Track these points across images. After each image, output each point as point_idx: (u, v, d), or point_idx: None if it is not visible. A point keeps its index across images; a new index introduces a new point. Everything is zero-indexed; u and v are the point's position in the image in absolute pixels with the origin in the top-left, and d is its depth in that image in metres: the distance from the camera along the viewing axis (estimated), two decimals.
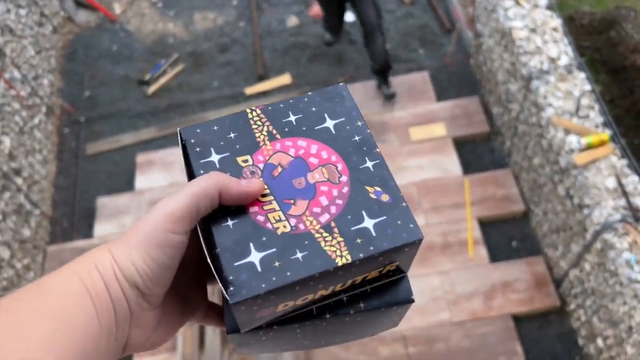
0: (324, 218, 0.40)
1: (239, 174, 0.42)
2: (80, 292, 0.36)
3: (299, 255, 0.38)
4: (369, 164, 0.43)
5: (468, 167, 3.83)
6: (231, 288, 0.37)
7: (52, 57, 4.47)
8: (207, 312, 0.47)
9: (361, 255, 0.38)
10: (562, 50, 3.10)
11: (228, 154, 0.43)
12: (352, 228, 0.39)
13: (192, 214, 0.38)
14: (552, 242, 3.24)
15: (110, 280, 0.38)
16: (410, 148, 3.89)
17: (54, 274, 0.38)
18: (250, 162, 0.42)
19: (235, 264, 0.38)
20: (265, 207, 0.40)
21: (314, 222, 0.40)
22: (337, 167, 0.42)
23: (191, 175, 0.42)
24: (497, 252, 3.48)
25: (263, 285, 0.37)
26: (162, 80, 4.49)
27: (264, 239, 0.39)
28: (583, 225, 2.77)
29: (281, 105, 0.46)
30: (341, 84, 0.48)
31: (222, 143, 0.43)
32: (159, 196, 3.91)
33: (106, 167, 4.18)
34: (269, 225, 0.40)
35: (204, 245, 0.40)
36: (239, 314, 0.39)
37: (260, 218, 0.40)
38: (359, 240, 0.39)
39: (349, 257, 0.38)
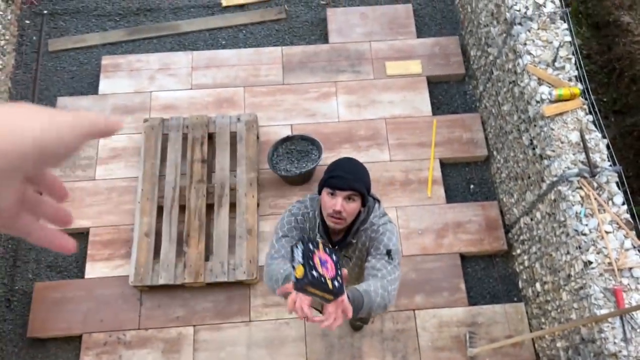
0: (330, 274, 1.39)
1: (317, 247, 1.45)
2: None
3: (315, 273, 1.37)
4: None
5: (438, 107, 3.83)
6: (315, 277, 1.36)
7: None
8: (44, 232, 0.50)
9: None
10: None
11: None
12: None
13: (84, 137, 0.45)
14: (509, 189, 3.32)
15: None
16: (384, 82, 3.84)
17: None
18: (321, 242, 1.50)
19: (310, 271, 1.34)
20: (318, 269, 1.37)
21: (327, 275, 1.38)
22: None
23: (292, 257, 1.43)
24: (455, 194, 3.55)
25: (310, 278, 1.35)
26: None
27: (314, 272, 1.35)
28: (541, 176, 2.83)
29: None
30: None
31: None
32: (123, 102, 3.78)
33: (69, 66, 3.99)
34: (314, 272, 1.35)
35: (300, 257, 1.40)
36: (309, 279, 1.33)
37: (315, 272, 1.35)
38: (336, 284, 1.40)
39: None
